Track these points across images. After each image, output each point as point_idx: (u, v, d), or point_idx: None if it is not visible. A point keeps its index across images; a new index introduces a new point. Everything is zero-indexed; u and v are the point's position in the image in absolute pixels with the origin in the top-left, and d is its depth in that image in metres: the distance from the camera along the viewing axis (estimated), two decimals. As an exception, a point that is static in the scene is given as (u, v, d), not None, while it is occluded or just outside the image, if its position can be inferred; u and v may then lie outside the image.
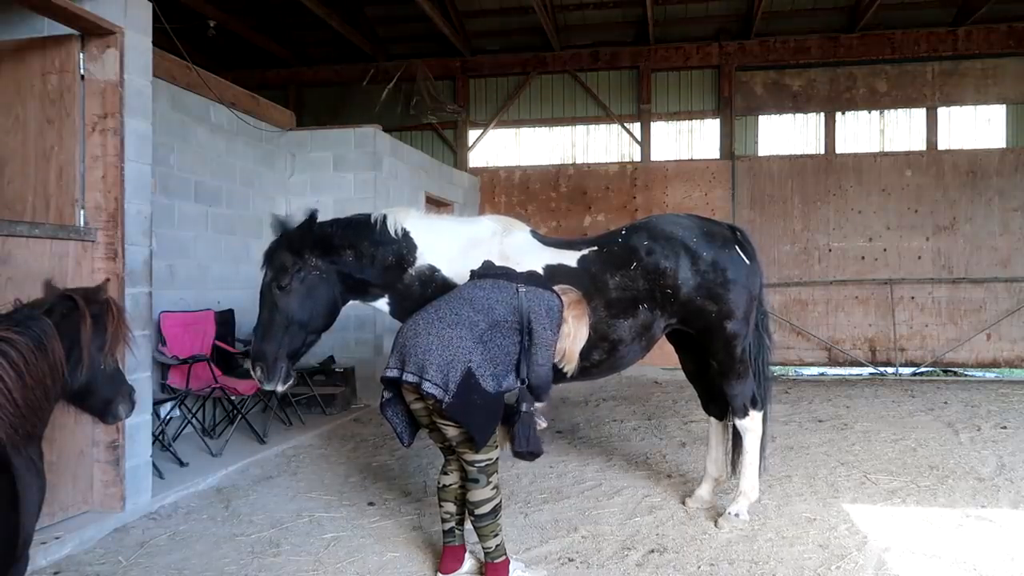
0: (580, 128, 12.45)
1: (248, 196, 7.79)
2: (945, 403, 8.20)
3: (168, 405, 5.92)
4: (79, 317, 2.56)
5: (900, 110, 11.54)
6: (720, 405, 4.66)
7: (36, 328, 2.40)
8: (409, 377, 3.22)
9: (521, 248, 4.17)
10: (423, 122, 12.40)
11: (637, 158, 12.12)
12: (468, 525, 3.58)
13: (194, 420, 6.20)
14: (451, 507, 3.60)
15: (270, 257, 3.96)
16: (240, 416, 6.44)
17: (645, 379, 10.12)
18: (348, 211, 4.58)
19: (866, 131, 11.66)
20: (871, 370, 11.04)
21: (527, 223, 4.49)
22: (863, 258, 11.27)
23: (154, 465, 4.88)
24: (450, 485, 3.60)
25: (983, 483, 5.10)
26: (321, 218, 4.08)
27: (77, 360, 2.56)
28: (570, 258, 4.18)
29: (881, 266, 11.22)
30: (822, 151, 11.65)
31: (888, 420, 7.30)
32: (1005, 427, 6.88)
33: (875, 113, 11.63)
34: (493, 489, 3.39)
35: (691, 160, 11.94)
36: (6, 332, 2.31)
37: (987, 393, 8.84)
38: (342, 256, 4.00)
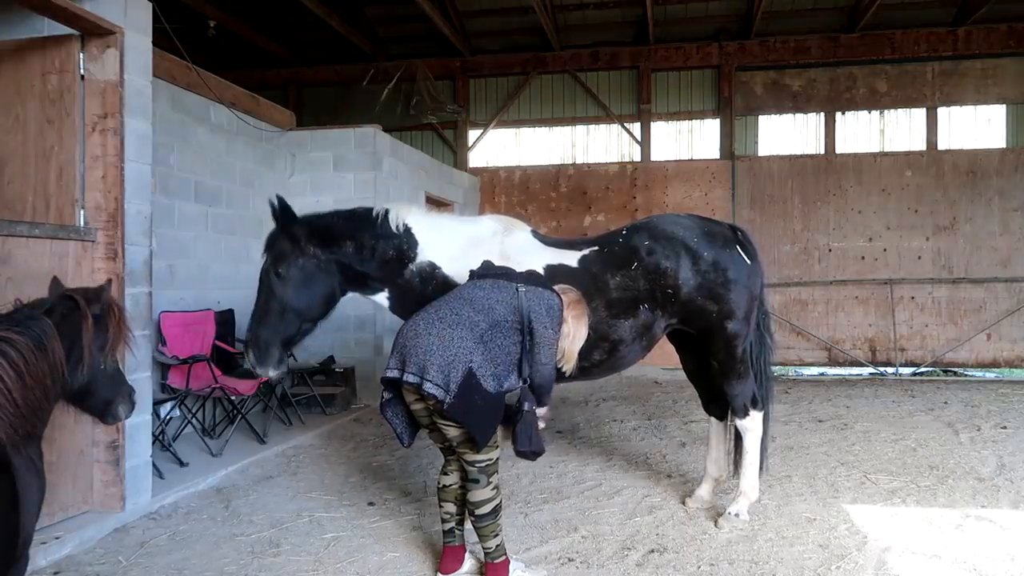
0: (580, 128, 12.46)
1: (248, 196, 7.79)
2: (945, 403, 8.20)
3: (168, 405, 5.92)
4: (80, 317, 2.56)
5: (900, 110, 11.54)
6: (721, 405, 4.66)
7: (36, 328, 2.40)
8: (410, 378, 3.22)
9: (522, 248, 4.17)
10: (423, 122, 12.40)
11: (637, 158, 12.12)
12: (468, 525, 3.58)
13: (194, 420, 6.20)
14: (451, 507, 3.60)
15: (271, 244, 3.99)
16: (240, 416, 6.44)
17: (645, 379, 10.12)
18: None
19: (866, 131, 11.66)
20: (871, 370, 11.04)
21: (527, 223, 4.49)
22: (863, 258, 11.27)
23: (154, 465, 4.88)
24: (450, 485, 3.60)
25: (983, 483, 5.10)
26: None
27: (77, 360, 2.56)
28: (571, 258, 4.18)
29: (881, 266, 11.22)
30: (822, 151, 11.65)
31: (888, 420, 7.30)
32: (1005, 427, 6.88)
33: (875, 113, 11.63)
34: (493, 489, 3.39)
35: (691, 160, 11.94)
36: (6, 332, 2.31)
37: (987, 393, 8.85)
38: (342, 247, 4.01)
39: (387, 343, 8.45)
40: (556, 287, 3.64)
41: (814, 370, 11.36)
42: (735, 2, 11.14)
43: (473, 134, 12.62)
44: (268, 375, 3.98)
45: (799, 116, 11.82)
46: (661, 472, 5.45)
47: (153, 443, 4.91)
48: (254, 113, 8.05)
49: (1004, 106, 11.26)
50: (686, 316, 4.22)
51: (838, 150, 11.59)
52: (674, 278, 4.10)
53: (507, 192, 12.26)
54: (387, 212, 4.14)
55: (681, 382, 8.95)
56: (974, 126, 11.37)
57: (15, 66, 4.37)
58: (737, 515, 4.28)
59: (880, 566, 3.73)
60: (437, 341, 3.22)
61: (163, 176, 6.46)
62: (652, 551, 3.94)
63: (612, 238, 4.33)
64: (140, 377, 4.62)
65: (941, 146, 11.32)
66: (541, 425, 3.70)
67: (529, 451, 3.50)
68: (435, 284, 4.01)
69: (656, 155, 12.09)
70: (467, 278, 3.76)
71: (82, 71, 4.34)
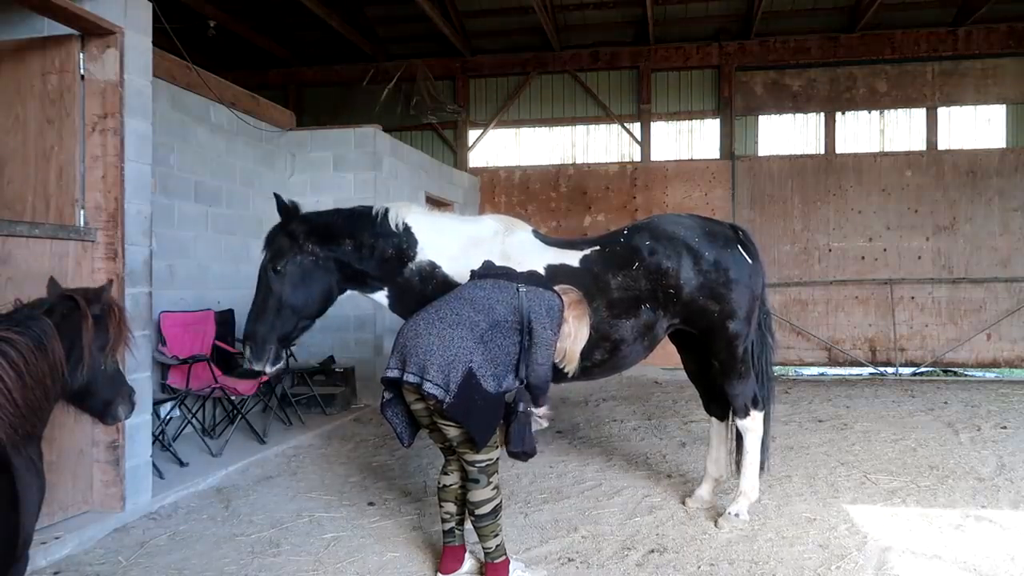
0: (580, 128, 12.45)
1: (248, 196, 7.79)
2: (945, 403, 8.20)
3: (168, 405, 5.91)
4: (80, 317, 2.56)
5: (900, 110, 11.54)
6: (722, 405, 4.66)
7: (36, 328, 2.40)
8: (410, 378, 3.22)
9: (523, 248, 4.17)
10: (423, 122, 12.40)
11: (637, 158, 12.12)
12: (468, 525, 3.58)
13: (194, 420, 6.19)
14: (451, 507, 3.60)
15: (270, 240, 4.01)
16: (240, 416, 6.44)
17: (645, 379, 10.12)
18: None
19: (866, 131, 11.66)
20: (871, 370, 11.04)
21: (527, 223, 4.49)
22: (863, 258, 11.27)
23: (154, 465, 4.87)
24: (450, 485, 3.60)
25: (983, 483, 5.10)
26: None
27: (77, 360, 2.56)
28: (572, 258, 4.18)
29: (881, 266, 11.22)
30: (822, 151, 11.65)
31: (888, 420, 7.30)
32: (1005, 427, 6.88)
33: (875, 113, 11.63)
34: (493, 489, 3.39)
35: (691, 160, 11.94)
36: (6, 332, 2.31)
37: (987, 393, 8.84)
38: (341, 245, 4.02)
39: (387, 343, 8.45)
40: (557, 287, 3.64)
41: (814, 370, 11.36)
42: (735, 2, 11.14)
43: (473, 134, 12.62)
44: (264, 371, 3.99)
45: (799, 116, 11.82)
46: (661, 472, 5.45)
47: (153, 443, 4.91)
48: (254, 113, 8.05)
49: (1004, 106, 11.26)
50: (688, 316, 4.21)
51: (838, 150, 11.59)
52: (675, 278, 4.10)
53: (507, 192, 12.26)
54: (387, 211, 4.15)
55: (681, 382, 8.95)
56: (974, 126, 11.37)
57: (15, 66, 4.37)
58: (737, 515, 4.28)
59: (880, 566, 3.72)
60: (437, 341, 3.22)
61: (163, 176, 6.46)
62: (652, 551, 3.93)
63: (613, 238, 4.33)
64: (140, 377, 4.62)
65: (941, 146, 11.32)
66: (544, 424, 3.70)
67: (521, 451, 3.50)
68: (435, 283, 4.01)
69: (656, 155, 12.09)
70: (468, 278, 3.76)
71: (82, 71, 4.34)
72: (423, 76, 11.98)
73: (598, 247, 4.25)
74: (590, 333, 3.71)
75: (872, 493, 4.92)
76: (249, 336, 3.95)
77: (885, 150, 11.50)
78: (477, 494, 3.37)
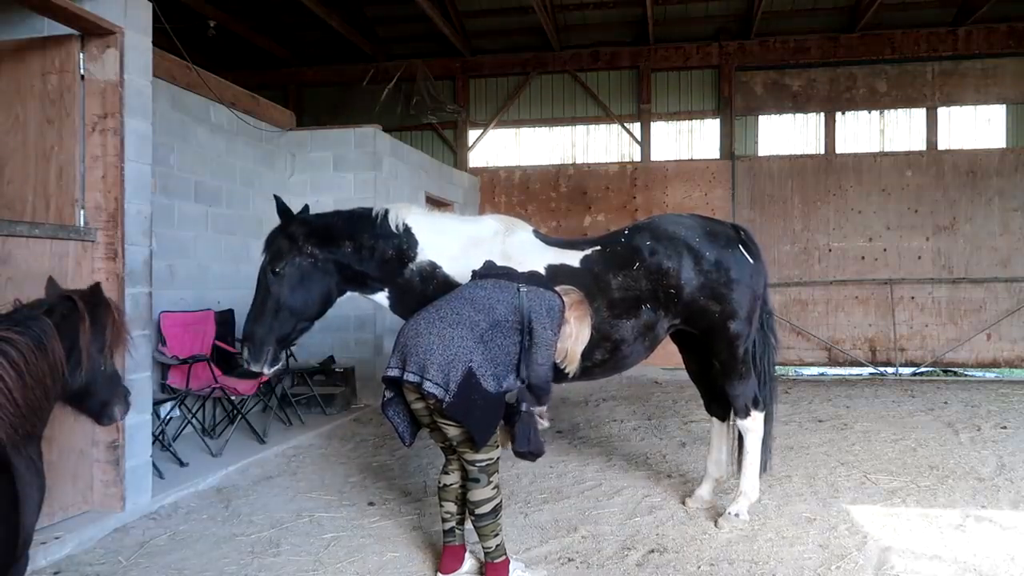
0: (580, 128, 12.45)
1: (248, 196, 7.79)
2: (945, 403, 8.19)
3: (168, 405, 5.91)
4: (79, 318, 2.56)
5: (900, 110, 11.54)
6: (722, 405, 4.65)
7: (36, 328, 2.40)
8: (410, 377, 3.22)
9: (524, 248, 4.17)
10: (423, 122, 12.40)
11: (637, 158, 12.12)
12: (468, 525, 3.58)
13: (194, 420, 6.19)
14: (451, 507, 3.60)
15: (269, 242, 4.02)
16: (240, 416, 6.44)
17: (645, 379, 10.12)
18: (348, 211, 4.58)
19: (866, 131, 11.66)
20: (871, 370, 11.04)
21: (528, 223, 4.49)
22: (863, 258, 11.27)
23: (154, 465, 4.87)
24: (451, 485, 3.60)
25: (983, 483, 5.10)
26: None
27: (77, 361, 2.56)
28: (573, 258, 4.18)
29: (881, 266, 11.22)
30: (822, 151, 11.65)
31: (888, 420, 7.30)
32: (1005, 427, 6.88)
33: (875, 113, 11.63)
34: (494, 489, 3.39)
35: (691, 160, 11.94)
36: (7, 332, 2.31)
37: (987, 393, 8.84)
38: (341, 247, 4.02)
39: (387, 343, 8.45)
40: (558, 288, 3.64)
41: (814, 370, 11.36)
42: (735, 2, 11.14)
43: (473, 134, 12.62)
44: (262, 372, 4.00)
45: (799, 116, 11.82)
46: (661, 472, 5.45)
47: (153, 443, 4.90)
48: (254, 113, 8.05)
49: (1004, 106, 11.26)
50: (688, 316, 4.21)
51: (838, 150, 11.58)
52: (676, 278, 4.10)
53: (507, 192, 12.26)
54: (387, 212, 4.15)
55: (681, 382, 8.95)
56: (974, 126, 11.37)
57: (15, 66, 4.37)
58: (737, 515, 4.28)
59: (880, 566, 3.72)
60: (437, 340, 3.22)
61: (163, 176, 6.46)
62: (652, 551, 3.93)
63: (614, 238, 4.33)
64: (140, 377, 4.62)
65: (941, 146, 11.32)
66: (545, 424, 3.71)
67: (528, 451, 3.52)
68: (435, 283, 4.02)
69: (656, 155, 12.09)
70: (469, 278, 3.76)
71: (82, 71, 4.34)
72: (423, 76, 11.98)
73: (599, 247, 4.25)
74: (591, 333, 3.71)
75: (872, 493, 4.92)
76: (247, 337, 3.97)
77: (885, 150, 11.49)
78: (477, 493, 3.37)
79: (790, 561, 3.79)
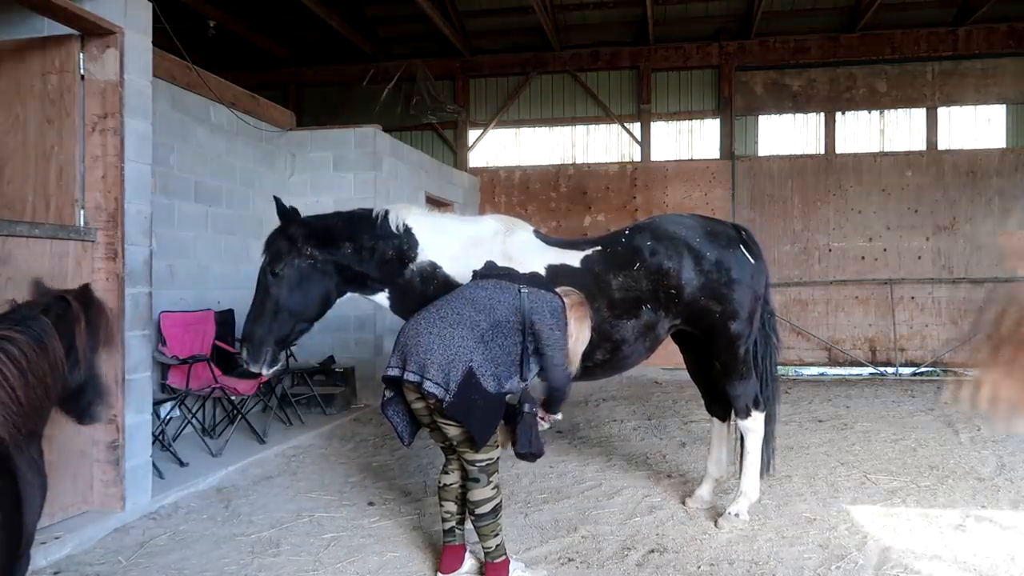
0: (580, 128, 12.45)
1: (248, 196, 7.79)
2: (945, 403, 8.19)
3: (168, 405, 5.91)
4: (74, 317, 2.56)
5: (900, 110, 11.54)
6: (723, 405, 4.65)
7: (36, 327, 2.40)
8: (410, 376, 3.22)
9: (524, 248, 4.17)
10: (423, 122, 12.40)
11: (637, 158, 12.12)
12: (468, 525, 3.58)
13: (194, 420, 6.19)
14: (451, 506, 3.60)
15: (269, 243, 4.03)
16: (240, 416, 6.44)
17: (645, 379, 10.12)
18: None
19: (866, 131, 11.66)
20: (871, 370, 11.03)
21: (528, 223, 4.49)
22: (863, 258, 11.27)
23: (154, 465, 4.87)
24: (451, 484, 3.60)
25: (983, 483, 5.10)
26: None
27: (75, 360, 2.56)
28: (573, 258, 4.18)
29: (881, 266, 11.22)
30: (822, 151, 11.65)
31: (888, 420, 7.30)
32: (1005, 427, 6.87)
33: (875, 113, 11.63)
34: (494, 489, 3.39)
35: (691, 160, 11.94)
36: (8, 331, 2.31)
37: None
38: (340, 248, 4.02)
39: (387, 343, 8.45)
40: (558, 289, 3.64)
41: (814, 370, 11.36)
42: (735, 2, 11.14)
43: (473, 134, 12.62)
44: (261, 372, 4.01)
45: (799, 116, 11.82)
46: (661, 472, 5.45)
47: (153, 443, 4.90)
48: (254, 113, 8.05)
49: (1004, 106, 11.26)
50: (689, 316, 4.21)
51: (838, 150, 11.58)
52: (677, 278, 4.10)
53: (507, 192, 12.26)
54: (387, 213, 4.15)
55: (681, 382, 8.95)
56: (974, 126, 11.37)
57: (15, 66, 4.37)
58: (737, 515, 4.28)
59: (880, 566, 3.72)
60: (438, 340, 3.22)
61: (163, 176, 6.46)
62: (652, 551, 3.93)
63: (615, 238, 4.33)
64: (140, 377, 4.62)
65: (941, 146, 11.32)
66: (545, 425, 3.72)
67: (529, 453, 3.52)
68: (436, 284, 4.02)
69: (656, 155, 12.08)
70: (470, 278, 3.76)
71: (82, 71, 4.34)
72: (423, 76, 11.98)
73: (599, 247, 4.25)
74: (591, 334, 3.72)
75: (872, 493, 4.92)
76: (246, 338, 3.98)
77: (885, 150, 11.49)
78: (477, 493, 3.37)
79: (790, 561, 3.79)
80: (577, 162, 12.34)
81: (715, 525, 4.28)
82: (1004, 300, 1.42)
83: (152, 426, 4.91)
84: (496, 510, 3.40)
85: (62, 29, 4.31)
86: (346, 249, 4.03)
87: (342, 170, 8.54)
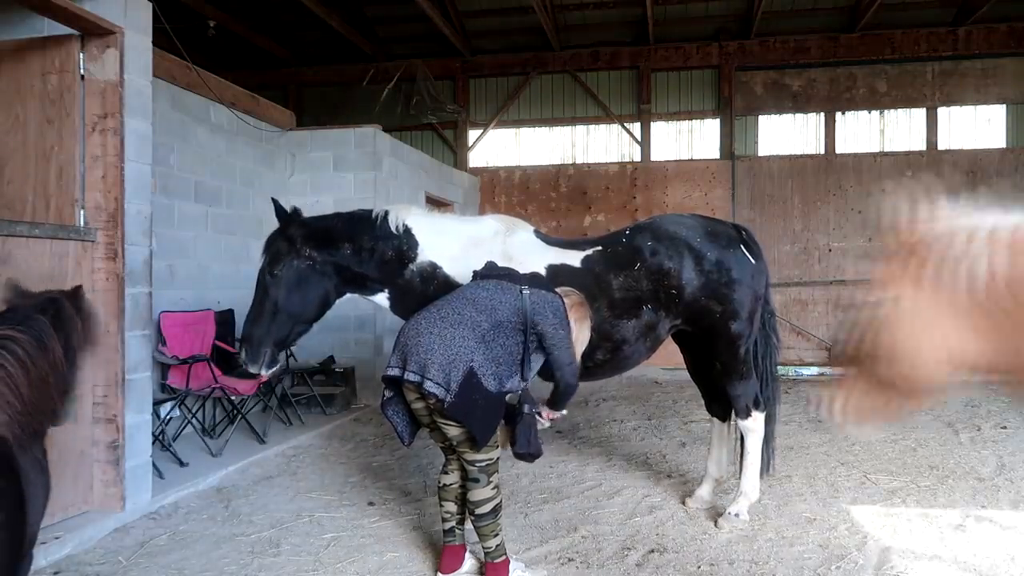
0: (580, 128, 12.45)
1: (248, 196, 7.79)
2: (945, 403, 8.19)
3: (168, 405, 5.91)
4: (69, 318, 2.56)
5: (900, 110, 11.54)
6: (723, 405, 4.65)
7: (36, 327, 2.40)
8: (411, 376, 3.22)
9: (525, 248, 4.18)
10: (423, 122, 12.40)
11: (637, 158, 12.12)
12: (468, 525, 3.58)
13: (194, 420, 6.19)
14: (451, 506, 3.60)
15: (268, 245, 4.05)
16: (240, 416, 6.44)
17: (645, 379, 10.12)
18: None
19: (866, 131, 11.66)
20: (871, 370, 11.01)
21: (528, 223, 4.50)
22: (863, 258, 11.27)
23: (154, 465, 4.87)
24: (451, 484, 3.60)
25: (983, 483, 5.10)
26: None
27: (72, 360, 2.57)
28: (574, 258, 4.18)
29: (881, 266, 11.19)
30: (822, 151, 11.65)
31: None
32: (1005, 427, 6.88)
33: (875, 113, 11.64)
34: (494, 489, 3.39)
35: (691, 160, 11.94)
36: (10, 330, 2.31)
37: (987, 393, 8.84)
38: (339, 249, 4.03)
39: (387, 343, 8.45)
40: (558, 289, 3.65)
41: (814, 370, 11.35)
42: (735, 2, 11.14)
43: (473, 134, 12.62)
44: (260, 373, 4.03)
45: (799, 116, 11.82)
46: (661, 472, 5.45)
47: (153, 443, 4.90)
48: (254, 113, 8.05)
49: (1004, 106, 11.26)
50: (690, 316, 4.21)
51: (838, 150, 11.59)
52: (677, 278, 4.10)
53: (507, 192, 12.26)
54: (386, 213, 4.16)
55: (681, 382, 8.95)
56: (974, 126, 11.38)
57: (15, 66, 4.36)
58: (737, 515, 4.28)
59: (880, 566, 3.72)
60: (439, 340, 3.22)
61: (163, 176, 6.46)
62: (652, 551, 3.93)
63: (615, 238, 4.33)
64: (140, 377, 4.62)
65: (941, 146, 11.32)
66: (546, 424, 3.72)
67: (527, 453, 3.52)
68: (436, 284, 4.02)
69: (656, 155, 12.09)
70: (470, 278, 3.76)
71: (82, 71, 4.34)
72: (423, 76, 11.98)
73: (600, 247, 4.25)
74: (591, 334, 3.72)
75: (872, 493, 4.92)
76: (245, 339, 4.01)
77: (885, 150, 11.50)
78: (477, 493, 3.37)
79: (790, 561, 3.79)
80: (577, 162, 12.34)
81: (715, 525, 4.28)
82: (853, 325, 1.59)
83: (152, 426, 4.91)
84: (496, 510, 3.40)
85: (62, 29, 4.31)
86: (345, 250, 4.04)
87: (342, 170, 8.54)
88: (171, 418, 5.89)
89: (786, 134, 11.89)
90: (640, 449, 6.19)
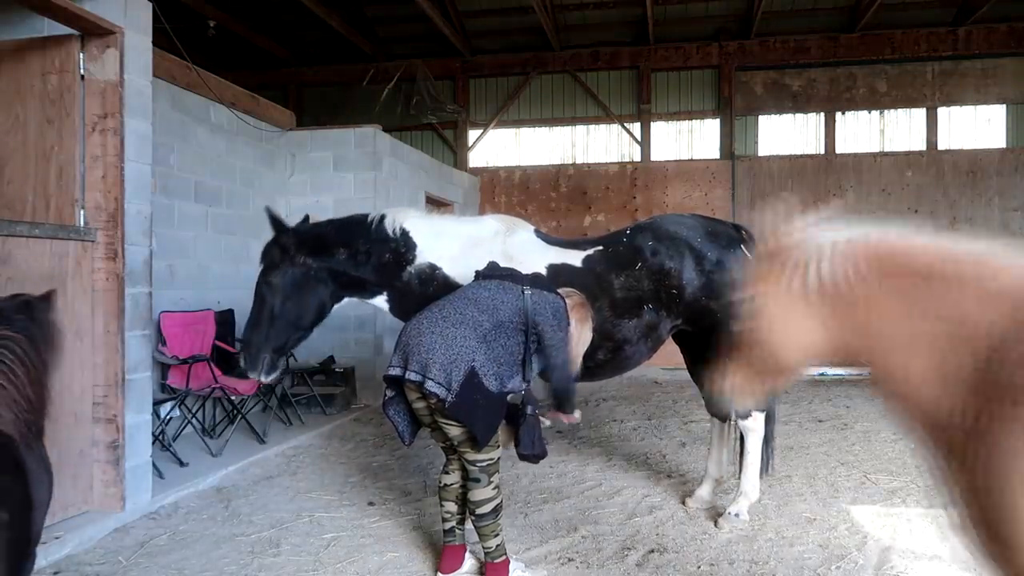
0: (580, 128, 12.45)
1: (248, 196, 7.79)
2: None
3: (168, 405, 5.91)
4: (42, 321, 2.57)
5: (900, 110, 11.54)
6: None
7: (28, 327, 2.41)
8: (412, 376, 3.22)
9: (525, 247, 4.18)
10: (423, 122, 12.40)
11: (637, 158, 12.12)
12: (468, 525, 3.58)
13: (194, 420, 6.19)
14: (452, 506, 3.60)
15: (264, 253, 4.08)
16: (240, 416, 6.44)
17: (645, 379, 10.12)
18: (348, 211, 4.62)
19: (866, 131, 11.66)
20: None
21: (528, 223, 4.50)
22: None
23: (154, 465, 4.87)
24: (451, 484, 3.60)
25: (983, 483, 5.09)
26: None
27: (48, 363, 2.58)
28: (575, 258, 4.18)
29: (881, 266, 11.20)
30: (822, 151, 11.65)
31: (888, 420, 7.30)
32: (1005, 427, 6.87)
33: (875, 113, 11.64)
34: (494, 489, 3.39)
35: (691, 160, 11.94)
36: (7, 330, 2.31)
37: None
38: (335, 255, 4.04)
39: (387, 343, 8.45)
40: (560, 290, 3.65)
41: (814, 370, 11.35)
42: (735, 2, 11.14)
43: (473, 134, 12.62)
44: (261, 380, 4.05)
45: (799, 116, 11.82)
46: (661, 472, 5.45)
47: (153, 443, 4.90)
48: (254, 113, 8.05)
49: (1004, 106, 11.26)
50: (691, 316, 4.21)
51: (838, 150, 11.59)
52: (678, 278, 4.10)
53: (507, 192, 12.26)
54: (382, 217, 4.18)
55: (681, 382, 8.95)
56: (974, 126, 11.38)
57: (15, 66, 4.36)
58: (737, 515, 4.28)
59: (880, 566, 3.72)
60: (440, 340, 3.22)
61: (163, 176, 6.46)
62: (652, 551, 3.93)
63: (616, 238, 4.34)
64: (140, 377, 4.62)
65: (941, 146, 11.32)
66: (546, 423, 3.72)
67: (532, 454, 3.53)
68: (436, 285, 4.03)
69: (656, 155, 12.09)
70: (471, 278, 3.76)
71: (82, 71, 4.33)
72: (423, 76, 11.98)
73: (601, 247, 4.25)
74: (592, 334, 3.72)
75: (872, 493, 4.92)
76: (245, 345, 4.03)
77: (885, 150, 11.50)
78: (478, 493, 3.37)
79: (790, 561, 3.79)
80: (577, 162, 12.34)
81: (715, 525, 4.28)
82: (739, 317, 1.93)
83: (152, 426, 4.91)
84: (496, 510, 3.40)
85: (62, 29, 4.31)
86: (340, 255, 4.06)
87: (342, 170, 8.54)
88: (171, 418, 5.89)
89: (786, 134, 11.90)
90: (640, 449, 6.19)
